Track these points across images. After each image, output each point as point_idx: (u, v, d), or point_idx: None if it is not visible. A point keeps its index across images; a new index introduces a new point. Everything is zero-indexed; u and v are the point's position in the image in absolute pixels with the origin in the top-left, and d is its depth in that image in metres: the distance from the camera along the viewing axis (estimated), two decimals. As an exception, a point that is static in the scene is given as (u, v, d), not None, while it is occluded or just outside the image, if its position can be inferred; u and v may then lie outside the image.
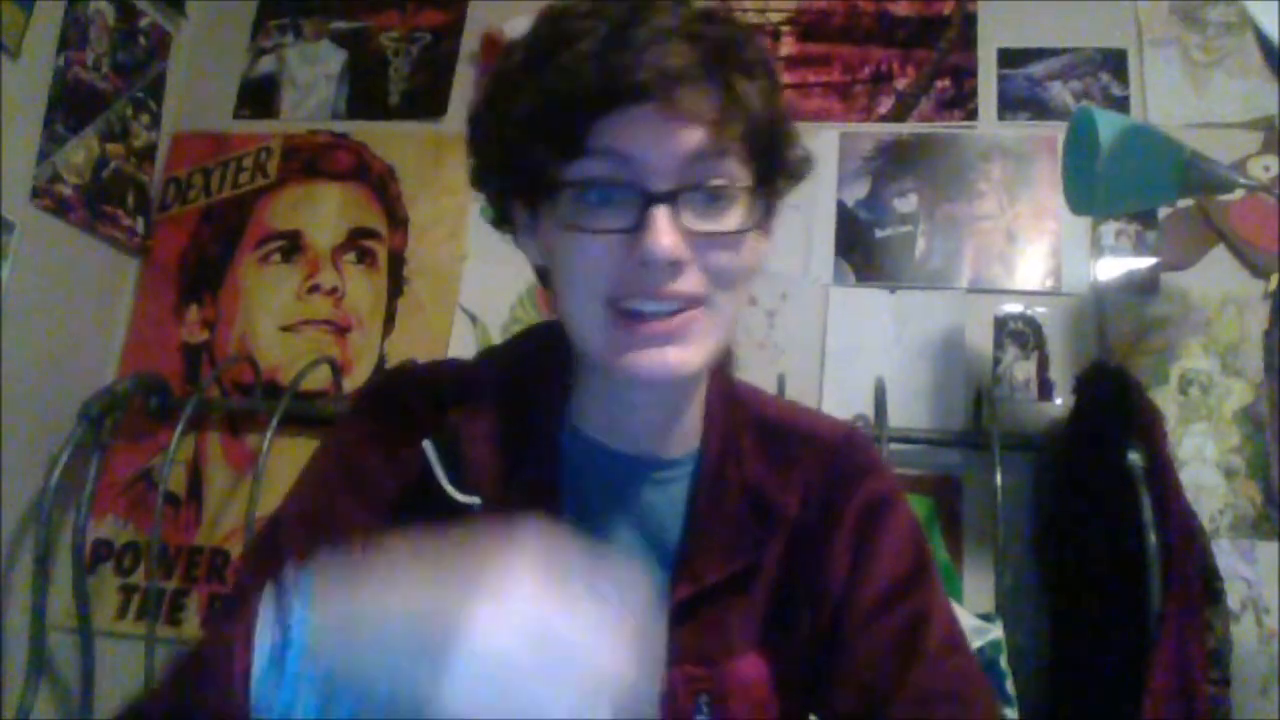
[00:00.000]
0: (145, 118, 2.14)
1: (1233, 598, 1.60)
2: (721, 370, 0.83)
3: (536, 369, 0.81)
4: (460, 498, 0.73)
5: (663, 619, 0.72)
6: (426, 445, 0.74)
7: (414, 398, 0.80)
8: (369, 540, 0.65)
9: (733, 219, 0.71)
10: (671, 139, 0.68)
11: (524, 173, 0.72)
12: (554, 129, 0.68)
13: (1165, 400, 1.76)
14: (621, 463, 0.79)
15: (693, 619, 0.74)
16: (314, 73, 2.26)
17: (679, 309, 0.70)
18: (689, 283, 0.69)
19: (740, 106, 0.70)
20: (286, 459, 1.78)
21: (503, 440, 0.76)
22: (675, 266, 0.68)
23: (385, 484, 0.76)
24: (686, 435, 0.80)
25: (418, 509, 0.72)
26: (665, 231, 0.67)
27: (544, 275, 0.78)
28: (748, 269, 0.73)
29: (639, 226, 0.67)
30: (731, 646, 0.75)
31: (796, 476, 0.80)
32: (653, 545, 0.78)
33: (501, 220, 0.80)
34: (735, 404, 0.83)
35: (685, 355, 0.70)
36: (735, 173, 0.71)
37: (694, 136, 0.68)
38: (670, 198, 0.68)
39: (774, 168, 0.75)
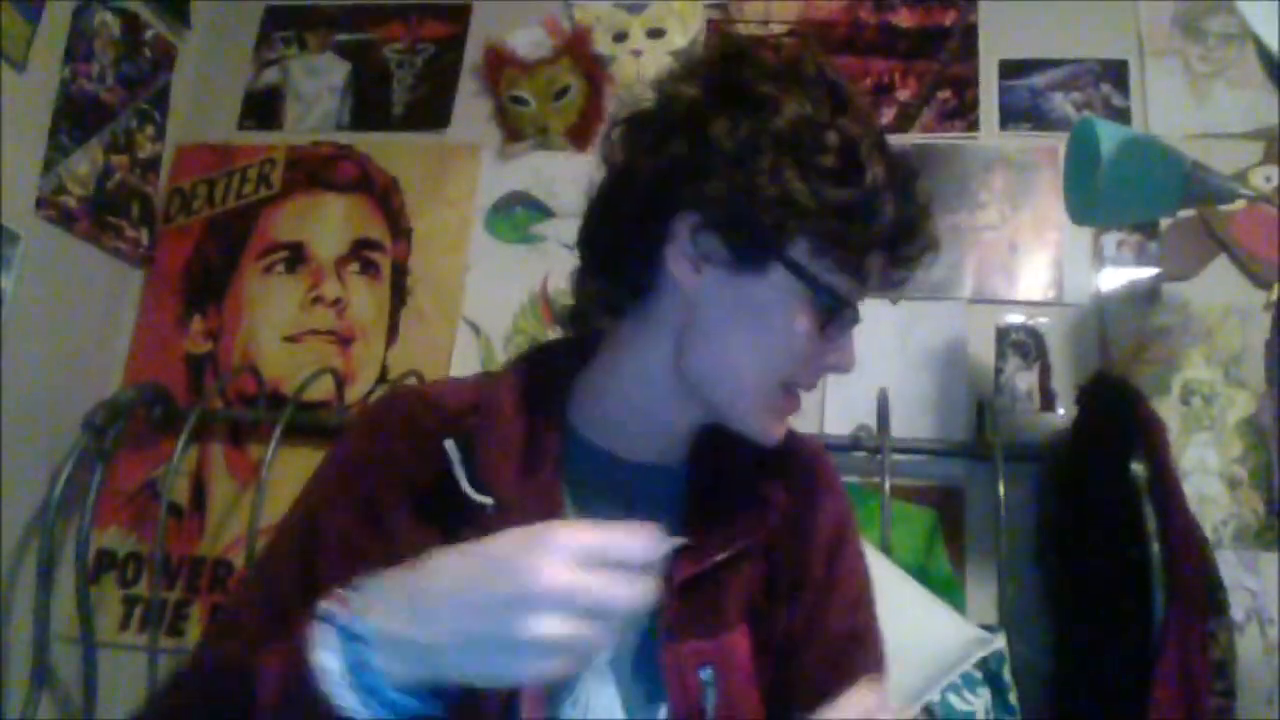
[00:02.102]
0: (150, 129, 2.15)
1: (1236, 609, 1.60)
2: None
3: (538, 383, 0.87)
4: (476, 497, 0.77)
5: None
6: (449, 445, 0.79)
7: (422, 412, 0.84)
8: (410, 534, 0.74)
9: None
10: (891, 282, 0.89)
11: (818, 285, 0.84)
12: (850, 263, 0.85)
13: (1167, 410, 1.76)
14: (621, 466, 0.86)
15: (695, 596, 0.80)
16: (318, 84, 2.27)
17: None
18: None
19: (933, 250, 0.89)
20: (289, 470, 1.78)
21: (512, 445, 0.82)
22: None
23: (410, 470, 0.81)
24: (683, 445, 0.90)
25: (436, 502, 0.78)
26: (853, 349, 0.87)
27: (634, 290, 0.86)
28: None
29: (841, 335, 0.87)
30: (727, 621, 0.82)
31: (779, 478, 0.89)
32: None
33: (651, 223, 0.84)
34: None
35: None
36: None
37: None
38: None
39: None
